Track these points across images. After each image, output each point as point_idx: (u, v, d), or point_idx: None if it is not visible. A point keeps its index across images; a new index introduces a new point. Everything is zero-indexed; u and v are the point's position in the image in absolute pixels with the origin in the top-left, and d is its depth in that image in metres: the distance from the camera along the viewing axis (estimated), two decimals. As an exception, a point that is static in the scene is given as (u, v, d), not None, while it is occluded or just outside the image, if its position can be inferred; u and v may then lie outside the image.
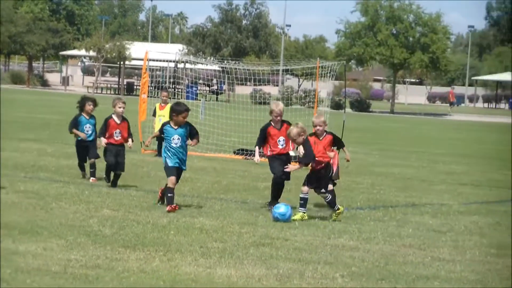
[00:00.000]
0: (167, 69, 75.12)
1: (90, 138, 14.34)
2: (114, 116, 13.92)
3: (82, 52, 78.43)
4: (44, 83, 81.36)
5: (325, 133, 12.42)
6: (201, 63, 66.33)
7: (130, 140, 13.90)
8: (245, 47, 74.25)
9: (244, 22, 76.94)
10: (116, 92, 77.67)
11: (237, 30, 74.63)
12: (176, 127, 11.69)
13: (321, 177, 11.66)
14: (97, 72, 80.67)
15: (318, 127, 12.30)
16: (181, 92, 57.57)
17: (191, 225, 10.52)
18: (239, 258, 8.67)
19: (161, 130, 11.93)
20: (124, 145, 13.84)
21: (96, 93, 73.19)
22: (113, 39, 79.16)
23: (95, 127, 14.45)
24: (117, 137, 13.73)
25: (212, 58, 70.85)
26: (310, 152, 11.48)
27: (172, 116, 11.80)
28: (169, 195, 11.45)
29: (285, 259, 8.79)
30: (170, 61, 73.28)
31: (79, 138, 14.35)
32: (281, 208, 11.31)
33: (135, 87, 75.10)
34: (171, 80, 68.51)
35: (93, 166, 14.26)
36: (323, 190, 11.59)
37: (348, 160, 12.78)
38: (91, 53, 75.97)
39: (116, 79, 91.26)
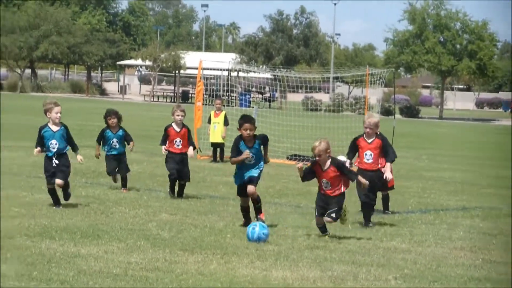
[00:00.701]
0: (221, 77, 75.26)
1: (115, 152, 13.80)
2: (173, 125, 13.58)
3: (139, 61, 79.78)
4: (102, 92, 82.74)
5: (375, 137, 11.68)
6: (253, 72, 67.21)
7: (191, 148, 13.53)
8: (296, 55, 74.69)
9: (294, 31, 77.58)
10: (172, 100, 78.91)
11: (288, 39, 75.13)
12: (249, 145, 10.89)
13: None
14: (153, 81, 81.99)
15: (367, 129, 11.62)
16: (235, 99, 57.87)
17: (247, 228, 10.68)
18: (294, 260, 8.78)
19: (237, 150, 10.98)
20: (187, 154, 13.44)
21: (153, 101, 74.48)
22: (168, 49, 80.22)
23: (125, 139, 13.94)
24: (177, 145, 13.40)
25: (264, 67, 71.49)
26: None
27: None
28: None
29: (339, 261, 8.88)
30: (224, 69, 73.85)
31: (108, 153, 13.90)
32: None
33: (190, 95, 75.79)
34: (225, 88, 68.93)
35: (124, 179, 13.93)
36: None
37: (386, 179, 11.60)
38: (147, 62, 77.32)
39: (172, 87, 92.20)
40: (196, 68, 32.47)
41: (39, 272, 7.66)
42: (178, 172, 13.24)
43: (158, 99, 78.43)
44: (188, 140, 13.58)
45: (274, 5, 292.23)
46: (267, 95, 69.99)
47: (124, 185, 13.86)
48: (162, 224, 10.74)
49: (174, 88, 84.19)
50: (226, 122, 21.25)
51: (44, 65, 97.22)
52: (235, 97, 59.46)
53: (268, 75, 54.37)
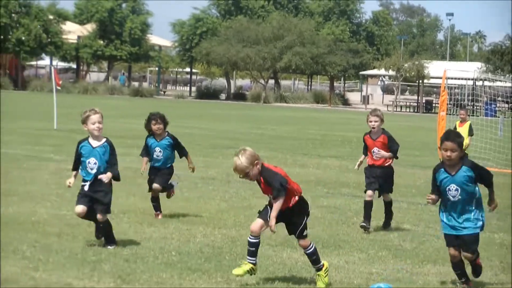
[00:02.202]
0: (466, 86, 74.21)
1: (158, 164, 11.41)
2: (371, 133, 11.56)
3: (382, 71, 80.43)
4: (345, 102, 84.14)
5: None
6: (499, 81, 66.17)
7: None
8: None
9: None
10: (415, 111, 78.75)
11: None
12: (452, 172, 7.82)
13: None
14: (396, 90, 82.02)
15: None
16: (480, 109, 57.44)
17: (491, 240, 10.46)
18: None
19: None
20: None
21: (396, 111, 74.75)
22: (412, 59, 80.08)
23: (173, 148, 11.49)
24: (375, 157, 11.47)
25: (511, 76, 69.50)
26: None
27: None
28: None
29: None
30: (469, 79, 73.81)
31: (152, 164, 11.53)
32: None
33: (433, 105, 75.45)
34: (470, 97, 68.89)
35: (162, 195, 11.55)
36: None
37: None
38: (390, 72, 77.74)
39: (415, 97, 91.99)
40: (440, 78, 32.29)
41: (280, 281, 7.95)
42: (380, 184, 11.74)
43: (401, 109, 78.48)
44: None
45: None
46: (514, 104, 67.97)
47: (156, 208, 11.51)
48: (404, 235, 10.74)
49: (418, 98, 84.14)
50: (470, 132, 20.89)
51: (287, 75, 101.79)
52: (480, 106, 59.35)
53: (514, 84, 52.76)
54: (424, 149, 26.52)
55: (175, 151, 11.49)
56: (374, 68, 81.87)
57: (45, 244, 9.12)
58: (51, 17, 75.47)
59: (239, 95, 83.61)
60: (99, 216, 9.08)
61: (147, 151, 11.38)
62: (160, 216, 11.25)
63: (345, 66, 78.27)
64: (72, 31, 77.80)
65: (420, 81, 78.57)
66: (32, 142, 22.39)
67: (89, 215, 9.16)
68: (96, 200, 9.07)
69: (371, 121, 11.40)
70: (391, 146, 11.40)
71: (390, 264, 8.85)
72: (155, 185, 11.19)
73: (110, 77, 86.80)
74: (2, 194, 12.20)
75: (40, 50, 75.37)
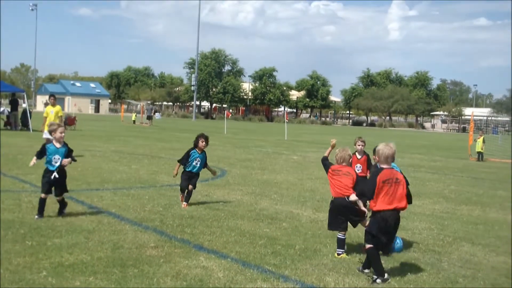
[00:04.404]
0: (483, 119, 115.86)
1: (195, 170, 14.45)
2: (356, 153, 13.91)
3: (441, 112, 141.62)
4: (423, 127, 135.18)
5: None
6: (500, 117, 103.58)
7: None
8: None
9: None
10: (457, 131, 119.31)
11: None
12: None
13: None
14: (448, 122, 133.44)
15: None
16: (489, 130, 74.71)
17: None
18: None
19: None
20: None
21: (447, 132, 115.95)
22: (456, 106, 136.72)
23: (204, 161, 14.53)
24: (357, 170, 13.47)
25: (505, 115, 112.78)
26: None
27: None
28: None
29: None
30: (484, 115, 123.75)
31: (187, 169, 14.45)
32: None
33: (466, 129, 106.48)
34: (484, 124, 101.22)
35: (189, 193, 14.35)
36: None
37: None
38: (445, 113, 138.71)
39: (457, 125, 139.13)
40: (470, 115, 46.75)
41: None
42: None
43: (450, 131, 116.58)
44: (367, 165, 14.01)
45: None
46: None
47: (187, 199, 14.34)
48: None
49: (459, 125, 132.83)
50: (484, 141, 31.12)
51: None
52: (490, 129, 78.46)
53: None
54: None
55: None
56: (437, 111, 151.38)
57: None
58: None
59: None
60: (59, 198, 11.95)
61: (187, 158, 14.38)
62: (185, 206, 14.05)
63: (423, 110, 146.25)
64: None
65: (460, 117, 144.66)
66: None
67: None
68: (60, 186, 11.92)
69: (359, 144, 13.61)
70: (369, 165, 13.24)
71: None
72: (190, 187, 14.28)
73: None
74: None
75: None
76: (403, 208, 8.53)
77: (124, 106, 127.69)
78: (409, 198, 8.65)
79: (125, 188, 16.50)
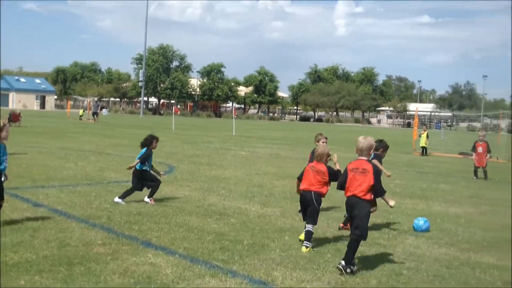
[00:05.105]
0: (426, 115, 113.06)
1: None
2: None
3: (387, 108, 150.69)
4: (369, 122, 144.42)
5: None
6: (442, 112, 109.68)
7: None
8: None
9: None
10: (402, 127, 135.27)
11: None
12: None
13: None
14: (394, 118, 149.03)
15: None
16: (433, 125, 70.95)
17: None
18: None
19: None
20: None
21: (393, 127, 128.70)
22: (401, 101, 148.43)
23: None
24: None
25: (447, 110, 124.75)
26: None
27: None
28: None
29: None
30: (428, 111, 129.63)
31: (142, 168, 14.45)
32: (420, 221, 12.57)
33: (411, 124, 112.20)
34: (428, 120, 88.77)
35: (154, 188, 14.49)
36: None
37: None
38: (391, 108, 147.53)
39: (402, 120, 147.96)
40: (414, 111, 49.85)
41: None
42: None
43: (395, 126, 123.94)
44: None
45: None
46: None
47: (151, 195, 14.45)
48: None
49: (403, 120, 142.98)
50: (427, 136, 33.19)
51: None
52: (433, 124, 73.46)
53: None
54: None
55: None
56: (383, 106, 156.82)
57: None
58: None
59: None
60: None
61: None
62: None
63: (369, 106, 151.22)
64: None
65: (405, 112, 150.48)
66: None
67: None
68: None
69: (323, 141, 13.63)
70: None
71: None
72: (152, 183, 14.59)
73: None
74: None
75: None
76: (361, 197, 9.22)
77: (71, 102, 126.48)
78: (380, 191, 9.63)
79: (71, 185, 16.59)
